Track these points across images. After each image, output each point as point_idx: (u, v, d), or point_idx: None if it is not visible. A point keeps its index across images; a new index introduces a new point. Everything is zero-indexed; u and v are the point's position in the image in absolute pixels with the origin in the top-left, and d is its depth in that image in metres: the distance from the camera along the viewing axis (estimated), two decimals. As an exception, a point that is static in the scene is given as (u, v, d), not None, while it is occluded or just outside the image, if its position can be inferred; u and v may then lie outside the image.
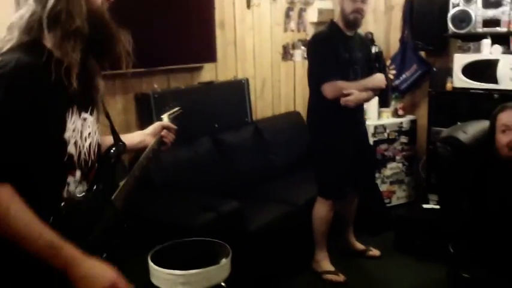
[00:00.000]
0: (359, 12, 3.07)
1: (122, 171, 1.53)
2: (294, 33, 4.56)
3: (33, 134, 1.18)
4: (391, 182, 4.40)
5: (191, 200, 3.00)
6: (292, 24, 4.53)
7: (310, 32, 4.70)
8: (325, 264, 3.36)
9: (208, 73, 3.79)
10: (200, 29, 3.56)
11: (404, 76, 4.49)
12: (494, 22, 3.81)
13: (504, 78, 3.70)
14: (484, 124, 2.58)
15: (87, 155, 1.37)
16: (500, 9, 3.77)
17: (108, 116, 1.53)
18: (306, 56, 3.59)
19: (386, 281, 3.30)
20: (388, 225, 3.90)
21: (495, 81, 3.74)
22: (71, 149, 1.29)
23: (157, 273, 2.21)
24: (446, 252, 2.82)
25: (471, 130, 2.40)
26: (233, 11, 3.96)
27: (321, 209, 3.29)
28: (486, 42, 3.83)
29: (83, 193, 1.37)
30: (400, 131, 4.39)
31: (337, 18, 3.22)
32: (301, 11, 4.60)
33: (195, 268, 2.33)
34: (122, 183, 1.50)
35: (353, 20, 3.10)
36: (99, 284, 1.21)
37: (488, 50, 3.82)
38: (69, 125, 1.28)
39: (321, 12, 4.66)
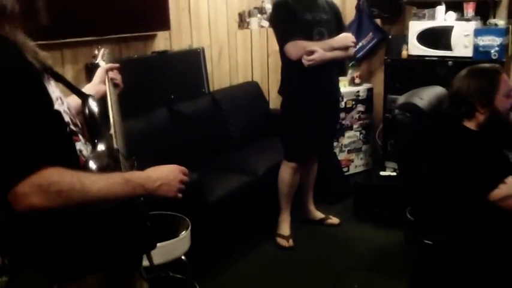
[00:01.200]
0: None
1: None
2: (250, 0, 4.46)
3: (43, 116, 1.16)
4: (348, 150, 4.43)
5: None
6: (248, -9, 4.43)
7: (266, -1, 4.61)
8: (283, 226, 3.40)
9: (162, 42, 3.66)
10: (152, -5, 3.41)
11: (360, 44, 4.47)
12: (448, -12, 3.83)
13: (458, 45, 3.74)
14: (436, 89, 2.59)
15: (72, 116, 1.34)
16: (455, -24, 3.79)
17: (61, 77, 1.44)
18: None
19: (346, 247, 3.34)
20: (346, 193, 3.94)
21: (449, 48, 3.78)
22: (64, 117, 1.27)
23: (115, 249, 2.14)
24: (404, 218, 2.88)
25: (426, 96, 2.40)
26: (187, -24, 3.83)
27: (285, 172, 3.32)
28: (440, 8, 3.85)
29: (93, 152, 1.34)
30: (357, 100, 4.40)
31: None
32: (257, -22, 4.50)
33: (154, 242, 2.28)
34: (112, 132, 1.45)
35: None
36: (174, 178, 1.34)
37: (442, 17, 3.85)
38: (52, 96, 1.24)
39: (276, -21, 4.56)
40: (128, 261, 1.37)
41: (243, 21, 4.40)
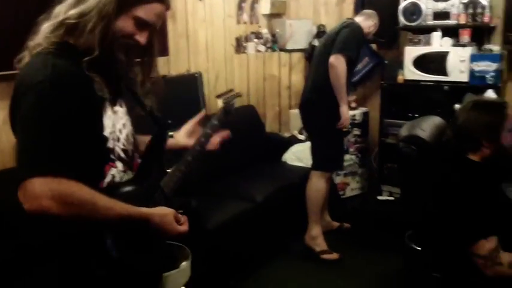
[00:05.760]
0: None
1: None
2: (247, 25, 4.49)
3: (79, 134, 1.22)
4: (345, 174, 4.43)
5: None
6: (245, 16, 4.46)
7: (263, 24, 4.65)
8: (321, 242, 3.47)
9: (160, 67, 3.65)
10: (150, 21, 3.43)
11: (356, 69, 4.51)
12: (444, 15, 3.88)
13: (453, 70, 3.78)
14: (435, 120, 2.59)
15: (126, 145, 1.44)
16: (450, 2, 3.85)
17: (142, 104, 1.54)
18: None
19: (345, 273, 3.31)
20: (344, 217, 3.92)
21: (445, 73, 3.82)
22: (110, 143, 1.36)
23: (114, 280, 2.10)
24: (402, 244, 2.86)
25: (427, 127, 2.40)
26: (184, 3, 3.85)
27: (319, 182, 3.42)
28: (436, 34, 3.90)
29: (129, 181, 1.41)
30: (353, 124, 4.41)
31: (365, 25, 3.48)
32: (254, 3, 4.53)
33: (153, 273, 2.24)
34: (171, 170, 1.55)
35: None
36: (169, 223, 1.42)
37: (438, 43, 3.90)
38: (107, 122, 1.34)
39: (273, 4, 4.62)
40: None
41: (239, 45, 4.42)
